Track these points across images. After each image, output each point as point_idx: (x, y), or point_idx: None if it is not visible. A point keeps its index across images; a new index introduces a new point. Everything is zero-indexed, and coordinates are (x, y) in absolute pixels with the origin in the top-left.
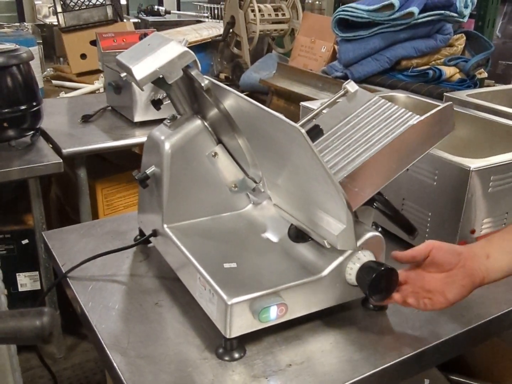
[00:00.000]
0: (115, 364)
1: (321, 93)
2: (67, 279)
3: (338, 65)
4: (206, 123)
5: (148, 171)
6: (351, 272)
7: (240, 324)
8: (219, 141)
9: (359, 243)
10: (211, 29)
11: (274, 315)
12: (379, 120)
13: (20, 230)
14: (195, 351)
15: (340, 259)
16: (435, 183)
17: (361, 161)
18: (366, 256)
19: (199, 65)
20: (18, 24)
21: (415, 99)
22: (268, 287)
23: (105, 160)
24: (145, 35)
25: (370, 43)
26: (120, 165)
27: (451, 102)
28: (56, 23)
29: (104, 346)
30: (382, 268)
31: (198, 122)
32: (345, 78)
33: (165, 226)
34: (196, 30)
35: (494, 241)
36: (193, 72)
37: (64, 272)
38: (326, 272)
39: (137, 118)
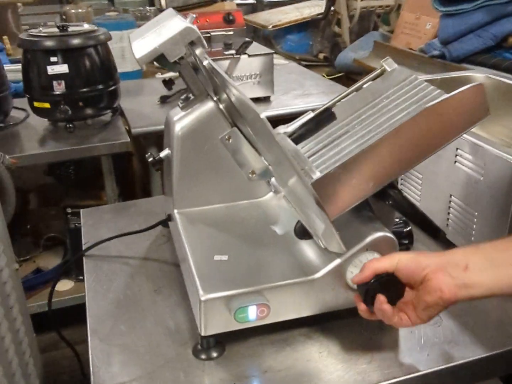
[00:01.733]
0: (89, 350)
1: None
2: (83, 258)
3: (436, 43)
4: (221, 105)
5: (162, 154)
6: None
7: (215, 322)
8: (235, 125)
9: (362, 244)
10: (314, 7)
11: (253, 315)
12: (409, 103)
13: (96, 205)
14: (175, 346)
15: (337, 261)
16: (482, 178)
17: (361, 149)
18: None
19: (204, 42)
20: (141, 8)
21: (496, 80)
22: (250, 285)
23: None
24: (229, 14)
25: (473, 17)
26: None
27: (480, 83)
28: None
29: (88, 329)
30: (383, 275)
31: (211, 103)
32: (443, 57)
33: (175, 211)
34: (298, 9)
35: (481, 250)
36: (197, 51)
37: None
38: (319, 274)
39: None
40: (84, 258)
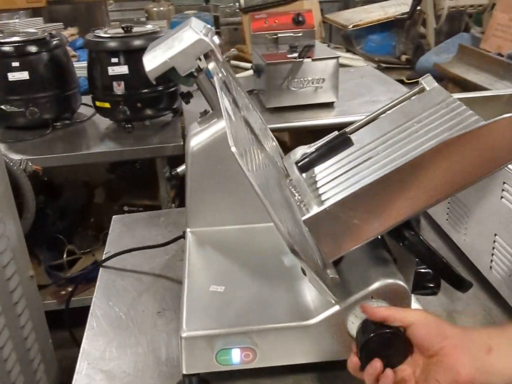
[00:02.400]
0: (75, 371)
1: (500, 82)
2: (100, 269)
3: None
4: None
5: (179, 169)
6: (353, 327)
7: (196, 361)
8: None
9: (365, 291)
10: (400, 6)
11: (237, 359)
12: (440, 130)
13: (151, 205)
14: (160, 379)
15: (336, 308)
16: None
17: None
18: None
19: (218, 54)
20: (231, 4)
21: None
22: (238, 325)
23: None
24: (298, 15)
25: None
26: None
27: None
28: None
29: (81, 348)
30: (391, 328)
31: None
32: None
33: (188, 229)
34: (383, 7)
35: (507, 333)
36: (210, 65)
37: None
38: (315, 320)
39: (269, 104)
40: (100, 269)
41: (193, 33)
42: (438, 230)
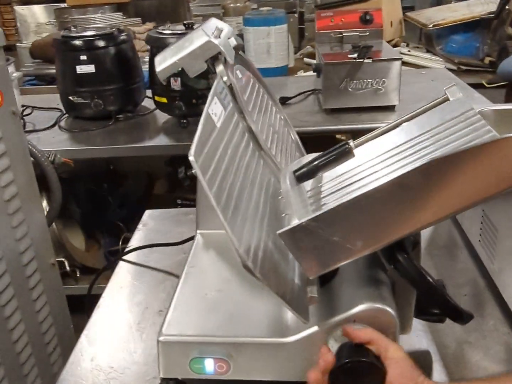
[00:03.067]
0: (68, 362)
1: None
2: (120, 262)
3: None
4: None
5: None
6: (333, 351)
7: (171, 365)
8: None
9: (346, 314)
10: (488, 5)
11: (210, 369)
12: (449, 145)
13: None
14: (142, 381)
15: (314, 329)
16: None
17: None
18: None
19: (228, 57)
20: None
21: None
22: (214, 335)
23: None
24: (366, 14)
25: None
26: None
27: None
28: None
29: (77, 343)
30: (369, 357)
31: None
32: None
33: (198, 231)
34: (469, 6)
35: None
36: (218, 67)
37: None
38: (292, 339)
39: (326, 105)
40: (120, 262)
41: (202, 34)
42: (471, 251)
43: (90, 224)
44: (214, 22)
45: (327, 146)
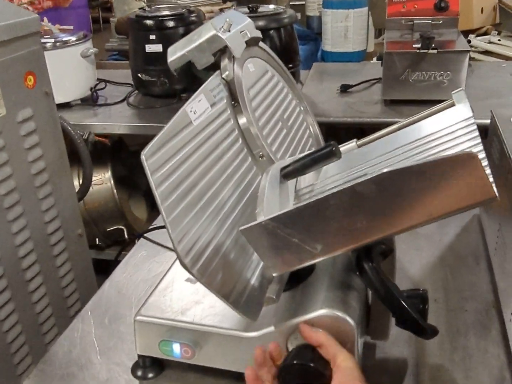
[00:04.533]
0: (68, 328)
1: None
2: (141, 238)
3: None
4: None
5: None
6: (290, 349)
7: (145, 344)
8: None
9: (301, 318)
10: None
11: (177, 352)
12: (428, 154)
13: None
14: (125, 359)
15: (271, 329)
16: None
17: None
18: None
19: (234, 51)
20: None
21: None
22: (183, 321)
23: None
24: (441, 1)
25: None
26: None
27: (471, 152)
28: None
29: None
30: (319, 361)
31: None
32: None
33: None
34: None
35: None
36: (223, 61)
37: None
38: (253, 334)
39: (385, 95)
40: (141, 239)
41: (210, 28)
42: (489, 264)
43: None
44: (226, 15)
45: None
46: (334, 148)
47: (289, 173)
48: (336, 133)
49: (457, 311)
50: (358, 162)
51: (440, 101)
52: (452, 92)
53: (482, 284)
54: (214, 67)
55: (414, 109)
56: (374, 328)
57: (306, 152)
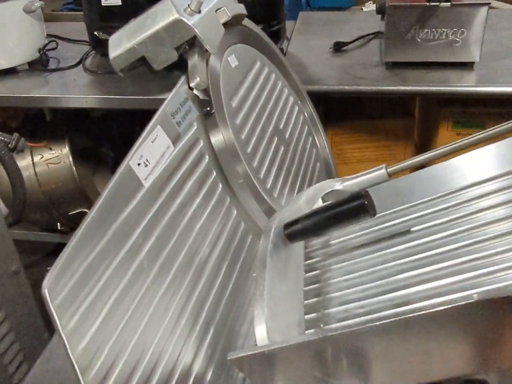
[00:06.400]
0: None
1: None
2: None
3: None
4: None
5: None
6: None
7: None
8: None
9: None
10: None
11: None
12: None
13: None
14: None
15: None
16: None
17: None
18: None
19: (206, 44)
20: None
21: None
22: None
23: (344, 103)
24: None
25: None
26: (356, 112)
27: None
28: None
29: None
30: None
31: None
32: None
33: None
34: None
35: None
36: (191, 61)
37: None
38: None
39: (388, 57)
40: None
41: (169, 8)
42: None
43: None
44: None
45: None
46: (366, 202)
47: (296, 234)
48: (327, 102)
49: None
50: (389, 204)
51: (453, 64)
52: None
53: None
54: (180, 65)
55: (422, 73)
56: None
57: (323, 204)
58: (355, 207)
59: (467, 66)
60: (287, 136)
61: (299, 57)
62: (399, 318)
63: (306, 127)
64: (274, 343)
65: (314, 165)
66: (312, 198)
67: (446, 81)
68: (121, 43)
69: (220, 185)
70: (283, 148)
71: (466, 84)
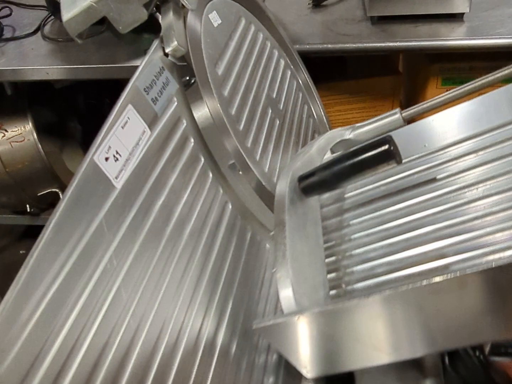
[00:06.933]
0: None
1: None
2: None
3: None
4: None
5: None
6: None
7: None
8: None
9: None
10: None
11: None
12: None
13: None
14: None
15: None
16: None
17: None
18: None
19: (189, 2)
20: None
21: None
22: None
23: (326, 63)
24: None
25: None
26: (339, 72)
27: None
28: None
29: None
30: None
31: None
32: None
33: None
34: None
35: None
36: (165, 21)
37: None
38: None
39: (372, 11)
40: None
41: None
42: None
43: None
44: None
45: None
46: (392, 148)
47: (313, 188)
48: (307, 62)
49: None
50: (409, 150)
51: (442, 16)
52: None
53: None
54: (151, 27)
55: (409, 28)
56: None
57: (339, 153)
58: (380, 154)
59: (457, 17)
60: (281, 106)
61: (275, 15)
62: (458, 275)
63: (301, 95)
64: (303, 309)
65: (312, 139)
66: (323, 148)
67: (436, 35)
68: (76, 1)
69: (211, 175)
70: (278, 122)
71: (457, 37)
